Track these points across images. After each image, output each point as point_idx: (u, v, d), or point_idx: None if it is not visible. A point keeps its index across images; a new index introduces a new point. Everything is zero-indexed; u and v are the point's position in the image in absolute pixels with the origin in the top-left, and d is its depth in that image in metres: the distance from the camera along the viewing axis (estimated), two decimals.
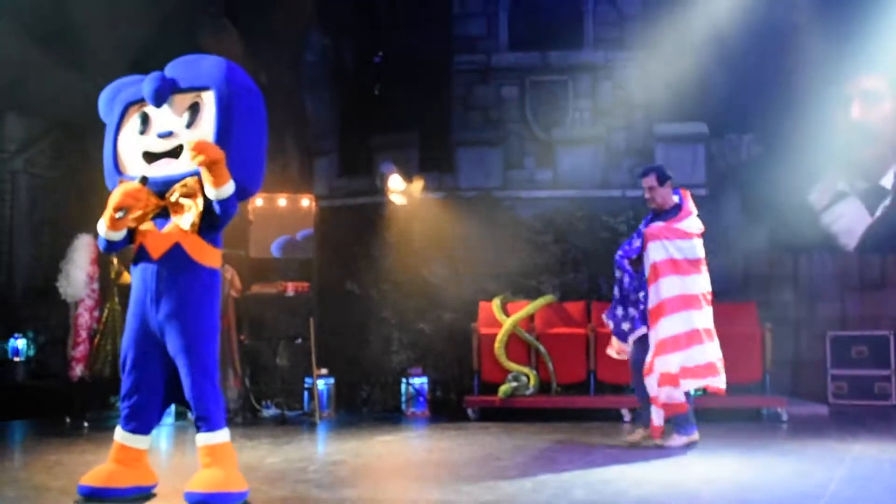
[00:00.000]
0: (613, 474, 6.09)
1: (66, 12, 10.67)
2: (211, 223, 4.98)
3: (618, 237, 11.15)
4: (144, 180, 4.96)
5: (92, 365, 9.41)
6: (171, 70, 5.17)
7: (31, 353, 11.29)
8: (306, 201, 11.30)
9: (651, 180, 7.48)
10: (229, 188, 4.88)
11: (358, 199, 11.69)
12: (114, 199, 4.92)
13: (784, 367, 10.32)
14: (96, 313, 9.63)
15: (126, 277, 9.68)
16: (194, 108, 5.01)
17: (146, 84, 5.03)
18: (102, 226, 5.01)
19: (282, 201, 11.07)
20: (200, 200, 4.93)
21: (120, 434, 5.05)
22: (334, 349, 10.73)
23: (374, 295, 11.45)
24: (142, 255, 5.03)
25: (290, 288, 10.16)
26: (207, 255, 5.02)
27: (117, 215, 4.91)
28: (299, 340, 10.14)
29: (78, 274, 9.52)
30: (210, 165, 4.79)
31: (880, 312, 10.35)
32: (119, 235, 5.02)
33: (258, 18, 11.71)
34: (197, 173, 4.93)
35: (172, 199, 4.96)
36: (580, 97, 11.93)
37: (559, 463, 6.65)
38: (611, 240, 11.15)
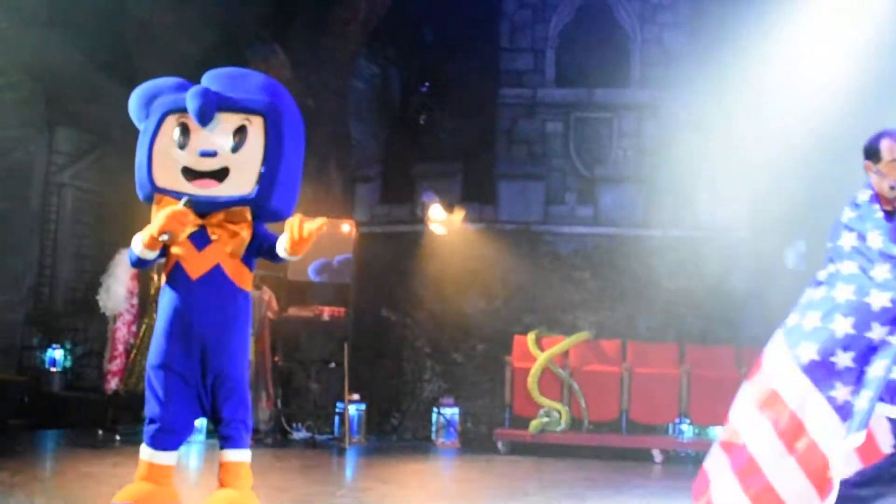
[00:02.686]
0: None
1: (119, 29, 10.86)
2: (251, 249, 5.00)
3: (656, 277, 11.12)
4: (190, 203, 4.84)
5: (127, 379, 9.47)
6: (215, 83, 5.06)
7: (68, 364, 11.40)
8: (347, 226, 11.35)
9: None
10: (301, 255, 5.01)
11: (398, 227, 11.73)
12: (159, 221, 4.77)
13: None
14: (134, 328, 9.70)
15: None
16: (241, 131, 4.94)
17: (191, 98, 4.91)
18: (139, 243, 4.86)
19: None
20: (248, 230, 4.93)
21: (148, 452, 4.92)
22: (367, 375, 10.74)
23: (410, 323, 11.45)
24: (178, 274, 4.92)
25: (327, 312, 10.18)
26: (245, 279, 5.02)
27: (162, 238, 4.80)
28: (333, 365, 10.16)
29: (118, 288, 9.61)
30: (305, 246, 4.85)
31: None
32: (154, 255, 4.91)
33: (308, 44, 11.83)
34: (244, 200, 4.90)
35: (215, 221, 4.94)
36: (624, 135, 11.93)
37: (588, 500, 6.59)
38: (648, 279, 11.10)
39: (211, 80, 5.13)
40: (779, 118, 10.58)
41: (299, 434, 10.15)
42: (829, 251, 4.65)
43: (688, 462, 9.59)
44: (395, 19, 12.43)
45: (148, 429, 4.91)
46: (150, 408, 4.91)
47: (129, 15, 11.00)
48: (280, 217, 5.13)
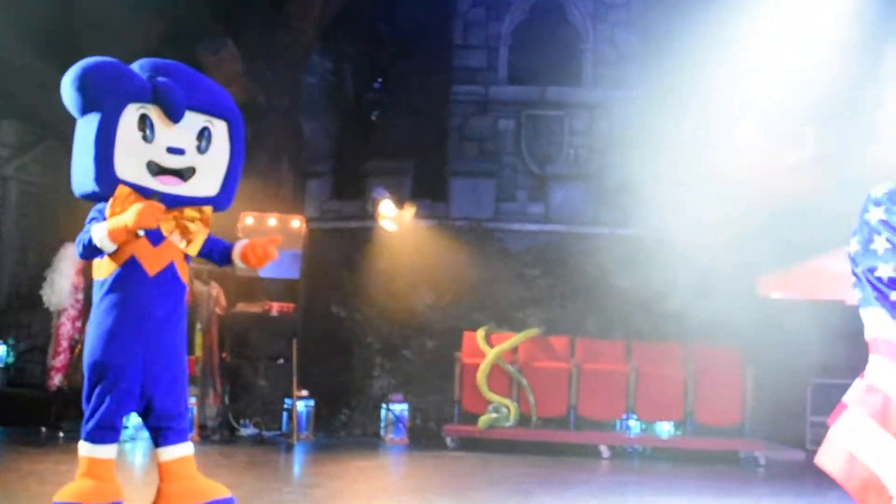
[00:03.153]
0: None
1: (66, 21, 10.70)
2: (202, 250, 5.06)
3: (605, 275, 11.20)
4: (159, 199, 4.80)
5: (71, 375, 9.34)
6: (178, 80, 4.98)
7: (11, 360, 11.22)
8: (297, 222, 11.29)
9: None
10: None
11: (348, 223, 11.70)
12: (135, 216, 4.63)
13: (765, 411, 10.30)
14: (79, 324, 9.56)
15: None
16: (206, 134, 4.98)
17: (168, 93, 4.85)
18: (104, 233, 4.68)
19: (272, 221, 11.05)
20: (204, 231, 4.95)
21: (87, 448, 4.81)
22: (316, 371, 10.69)
23: (359, 319, 11.43)
24: (134, 270, 4.83)
25: (275, 308, 10.13)
26: (186, 275, 5.06)
27: (139, 233, 4.76)
28: (281, 361, 10.10)
29: (63, 283, 9.47)
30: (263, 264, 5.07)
31: (863, 362, 10.34)
32: (112, 249, 4.77)
33: (260, 38, 11.74)
34: (206, 201, 4.95)
35: (172, 219, 4.89)
36: (576, 133, 12.00)
37: (535, 496, 6.63)
38: (597, 277, 11.18)
39: (172, 77, 5.01)
40: (728, 120, 10.70)
41: (247, 430, 10.08)
42: (855, 255, 4.61)
43: (634, 457, 9.70)
44: (349, 16, 12.38)
45: (88, 425, 4.82)
46: (92, 403, 4.81)
47: (78, 6, 10.84)
48: (221, 209, 5.19)
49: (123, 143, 4.84)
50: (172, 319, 4.93)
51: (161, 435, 4.91)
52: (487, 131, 12.09)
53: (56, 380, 9.37)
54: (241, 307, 10.21)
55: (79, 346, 9.37)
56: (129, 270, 4.82)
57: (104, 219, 4.75)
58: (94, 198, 4.87)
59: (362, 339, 11.39)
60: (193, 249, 4.96)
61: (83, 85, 4.82)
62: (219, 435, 9.67)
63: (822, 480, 7.96)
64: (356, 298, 11.43)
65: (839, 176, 10.55)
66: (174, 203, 4.88)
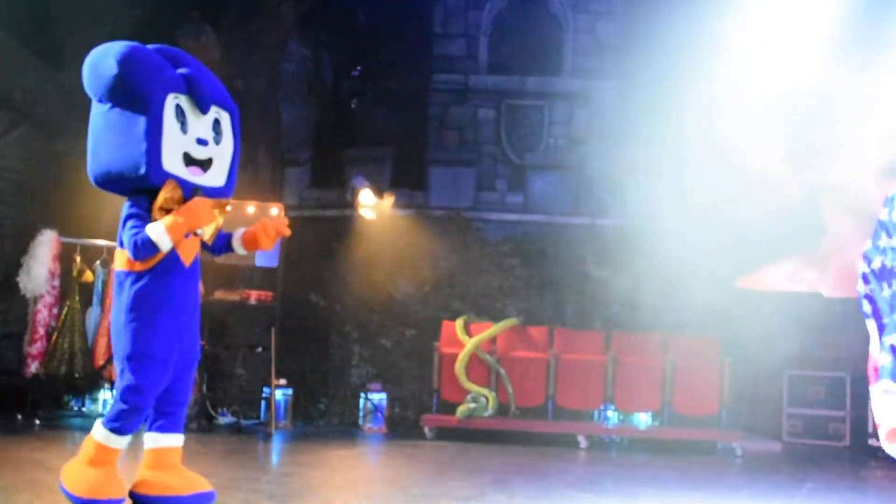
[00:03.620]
0: (566, 500, 6.09)
1: (41, 5, 10.58)
2: None
3: (584, 265, 11.23)
4: (202, 193, 4.87)
5: (48, 362, 9.29)
6: (191, 68, 4.97)
7: None
8: (275, 210, 11.23)
9: None
10: None
11: (327, 212, 11.66)
12: (198, 216, 4.70)
13: (742, 402, 10.37)
14: (55, 310, 9.51)
15: (88, 276, 9.62)
16: (218, 125, 5.02)
17: (199, 85, 4.88)
18: (164, 234, 4.61)
19: (250, 209, 10.99)
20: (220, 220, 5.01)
21: (104, 435, 4.76)
22: (294, 360, 10.68)
23: (338, 308, 11.41)
24: (173, 261, 4.80)
25: (254, 296, 10.09)
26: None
27: (198, 232, 4.81)
28: (259, 349, 10.08)
29: (39, 270, 9.40)
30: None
31: (839, 354, 10.44)
32: (171, 246, 4.70)
33: (239, 25, 11.68)
34: (217, 191, 4.97)
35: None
36: (555, 123, 12.01)
37: (513, 486, 6.64)
38: (576, 267, 11.21)
39: (186, 63, 5.02)
40: (707, 112, 10.71)
41: (225, 419, 10.06)
42: (869, 252, 4.93)
43: (612, 448, 9.74)
44: (328, 2, 12.34)
45: (119, 414, 4.75)
46: (127, 393, 4.74)
47: None
48: None
49: (167, 134, 4.80)
50: (198, 308, 5.07)
51: (161, 421, 4.91)
52: (467, 120, 12.08)
53: (32, 367, 9.30)
54: (220, 295, 10.15)
55: (55, 333, 9.32)
56: (171, 262, 4.81)
57: (146, 213, 4.70)
58: (132, 189, 4.77)
59: (341, 327, 11.38)
60: (211, 239, 5.01)
61: (126, 71, 4.72)
62: (196, 423, 9.61)
63: (798, 472, 8.06)
64: (335, 287, 11.41)
65: (818, 171, 10.62)
66: (193, 194, 4.89)
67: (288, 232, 5.16)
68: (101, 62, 4.76)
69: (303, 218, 11.56)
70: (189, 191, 4.82)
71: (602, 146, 11.80)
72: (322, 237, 11.46)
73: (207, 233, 4.91)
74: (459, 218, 11.49)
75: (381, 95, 12.69)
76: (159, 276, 4.77)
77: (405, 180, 11.68)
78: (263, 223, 5.10)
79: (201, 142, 4.90)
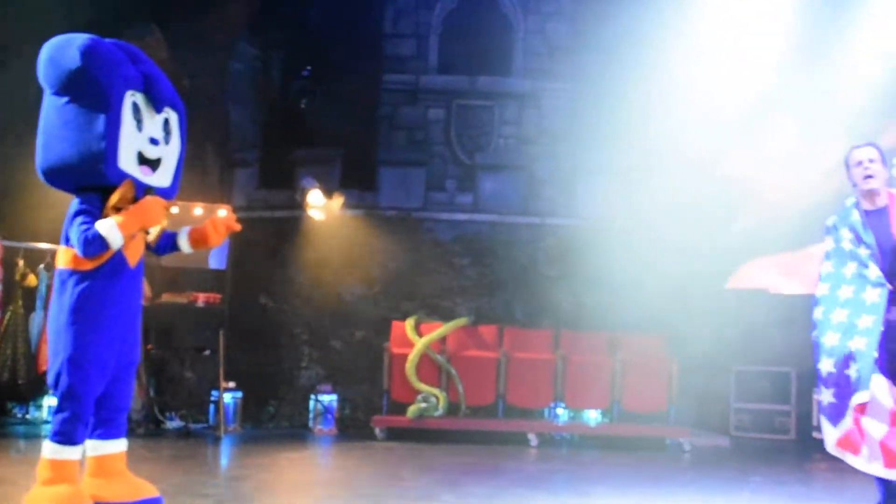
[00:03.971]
0: (517, 498, 6.10)
1: None
2: None
3: (534, 264, 11.28)
4: (154, 193, 4.79)
5: None
6: (152, 70, 4.89)
7: None
8: (223, 211, 11.13)
9: (874, 152, 5.35)
10: None
11: (276, 213, 11.58)
12: (147, 215, 4.62)
13: (690, 399, 10.47)
14: None
15: (31, 280, 9.46)
16: (167, 124, 4.91)
17: (156, 83, 4.81)
18: (116, 232, 4.53)
19: (198, 210, 10.90)
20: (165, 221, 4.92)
21: (54, 449, 4.61)
22: (243, 363, 10.59)
23: (287, 309, 11.34)
24: (118, 262, 4.70)
25: (202, 299, 10.00)
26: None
27: (151, 230, 4.75)
28: (208, 352, 9.98)
29: None
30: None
31: (784, 350, 10.58)
32: (122, 244, 4.62)
33: (187, 24, 11.55)
34: (163, 192, 4.86)
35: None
36: (506, 124, 12.03)
37: (464, 486, 6.64)
38: (527, 266, 11.25)
39: (141, 60, 4.92)
40: (657, 112, 10.80)
41: (173, 423, 9.94)
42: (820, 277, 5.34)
43: (562, 445, 9.79)
44: (277, 2, 12.25)
45: (61, 424, 4.63)
46: (68, 400, 4.62)
47: None
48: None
49: (124, 132, 4.72)
50: (140, 310, 4.93)
51: (103, 427, 4.82)
52: (417, 120, 12.05)
53: None
54: (167, 298, 10.04)
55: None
56: (117, 263, 4.71)
57: (97, 210, 4.60)
58: (83, 186, 4.67)
59: (290, 329, 11.30)
60: (155, 240, 4.92)
61: (89, 64, 4.60)
62: (144, 428, 9.50)
63: (746, 466, 8.15)
64: (284, 289, 11.34)
65: (773, 166, 10.77)
66: (143, 194, 4.79)
67: (238, 227, 5.06)
68: (63, 54, 4.64)
69: (251, 219, 11.44)
70: (141, 191, 4.75)
71: (552, 146, 11.85)
72: (271, 238, 11.38)
73: (153, 233, 4.84)
74: (409, 218, 11.48)
75: (331, 96, 12.62)
76: (105, 276, 4.66)
77: (355, 181, 11.63)
78: (213, 220, 5.01)
79: (154, 141, 4.82)
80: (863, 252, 5.15)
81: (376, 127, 12.05)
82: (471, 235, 11.49)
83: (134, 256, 4.79)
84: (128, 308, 4.79)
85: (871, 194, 5.24)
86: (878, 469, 4.99)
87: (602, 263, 10.79)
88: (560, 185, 11.63)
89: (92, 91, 4.60)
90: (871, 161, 5.24)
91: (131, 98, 4.70)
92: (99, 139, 4.58)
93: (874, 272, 5.08)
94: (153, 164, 4.85)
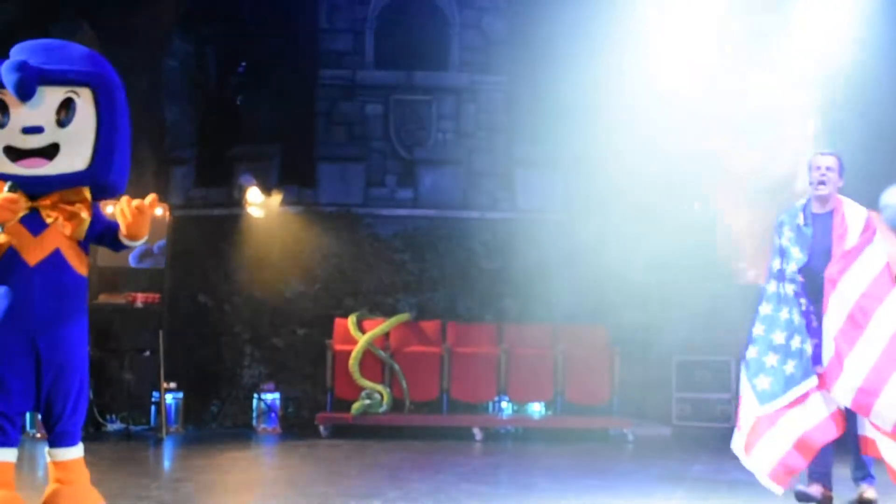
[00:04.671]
0: (462, 493, 6.11)
1: None
2: (90, 234, 4.80)
3: (475, 258, 11.31)
4: (15, 188, 4.58)
5: None
6: (33, 57, 4.76)
7: None
8: (160, 210, 10.99)
9: (833, 161, 5.79)
10: (144, 238, 4.81)
11: (214, 211, 11.46)
12: None
13: (632, 389, 10.58)
14: None
15: None
16: (68, 105, 4.71)
17: (8, 73, 4.60)
18: None
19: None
20: (87, 211, 4.71)
21: (49, 452, 4.68)
22: (184, 363, 10.46)
23: (228, 308, 11.23)
24: (14, 261, 4.62)
25: (140, 299, 9.84)
26: (83, 264, 4.82)
27: None
28: (147, 353, 9.84)
29: None
30: (142, 225, 4.70)
31: (723, 338, 10.73)
32: None
33: (116, 20, 11.36)
34: (78, 177, 4.68)
35: (49, 203, 4.68)
36: (444, 118, 12.03)
37: (409, 482, 6.64)
38: (468, 260, 11.28)
39: (24, 52, 4.81)
40: (594, 103, 10.88)
41: (113, 426, 9.80)
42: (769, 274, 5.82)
43: (507, 439, 9.84)
44: None
45: None
46: None
47: None
48: (116, 192, 4.95)
49: None
50: (64, 310, 4.70)
51: (56, 436, 4.74)
52: (355, 116, 12.00)
53: None
54: (104, 298, 9.87)
55: None
56: (9, 263, 4.62)
57: None
58: None
59: (231, 328, 11.19)
60: (79, 233, 4.74)
61: None
62: (83, 431, 9.31)
63: (687, 455, 8.26)
64: (224, 287, 11.22)
65: (711, 162, 10.94)
66: (43, 187, 4.66)
67: (148, 208, 4.70)
68: None
69: (189, 217, 11.35)
70: (32, 187, 4.62)
71: (490, 140, 11.89)
72: (209, 236, 11.25)
73: (7, 233, 4.62)
74: (349, 214, 11.44)
75: (268, 91, 12.50)
76: (2, 278, 4.63)
77: (293, 177, 11.56)
78: (120, 208, 4.73)
79: (29, 130, 4.67)
80: (795, 254, 5.67)
81: (314, 122, 11.97)
82: (411, 231, 11.48)
83: (32, 255, 4.64)
84: (31, 309, 4.61)
85: (821, 199, 5.73)
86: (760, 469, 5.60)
87: (542, 256, 10.88)
88: (499, 178, 11.68)
89: None
90: (828, 169, 5.73)
91: None
92: None
93: (790, 269, 5.64)
94: (45, 153, 4.69)
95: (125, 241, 4.82)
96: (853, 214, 5.64)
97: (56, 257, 4.68)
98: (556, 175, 11.54)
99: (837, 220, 5.64)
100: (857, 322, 5.35)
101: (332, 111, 11.99)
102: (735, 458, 6.36)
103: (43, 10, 10.83)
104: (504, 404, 10.17)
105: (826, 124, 10.30)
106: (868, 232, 5.55)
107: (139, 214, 4.68)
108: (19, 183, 4.64)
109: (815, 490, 5.58)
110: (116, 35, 11.17)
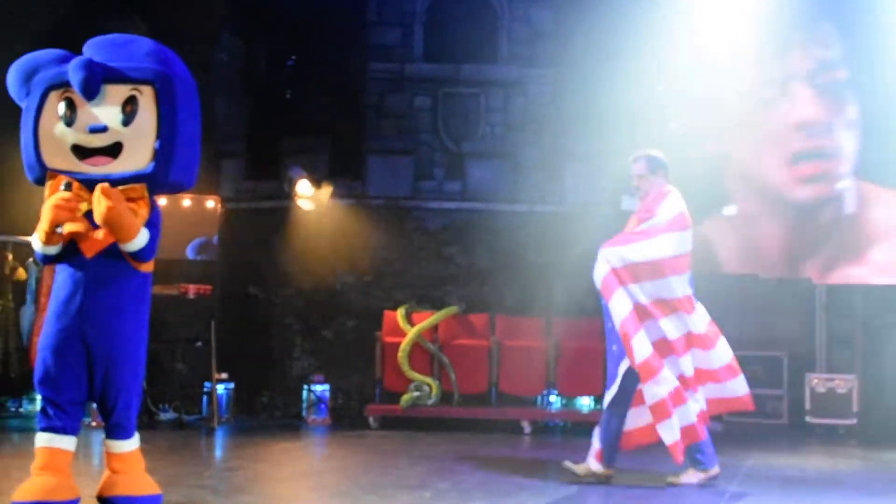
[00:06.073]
0: (513, 486, 6.12)
1: None
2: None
3: (523, 251, 11.28)
4: (70, 187, 4.67)
5: None
6: (98, 53, 4.83)
7: None
8: (212, 203, 11.12)
9: (642, 168, 6.58)
10: (140, 240, 4.71)
11: (265, 203, 11.55)
12: (48, 214, 4.59)
13: None
14: None
15: (20, 274, 9.43)
16: (132, 102, 4.74)
17: (74, 71, 4.66)
18: (38, 241, 4.69)
19: (186, 202, 10.86)
20: (146, 208, 4.76)
21: (46, 438, 4.70)
22: (235, 354, 10.55)
23: (278, 300, 11.32)
24: (72, 252, 4.72)
25: (192, 290, 9.95)
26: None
27: (58, 231, 4.64)
28: (199, 344, 9.94)
29: None
30: (112, 224, 4.61)
31: (775, 334, 10.62)
32: (57, 249, 4.70)
33: (167, 15, 11.48)
34: (140, 176, 4.73)
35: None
36: (492, 111, 12.02)
37: (459, 473, 6.66)
38: (516, 253, 11.26)
39: (94, 49, 4.90)
40: (645, 97, 10.81)
41: (166, 415, 9.91)
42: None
43: (556, 432, 9.81)
44: None
45: (44, 414, 4.71)
46: (46, 391, 4.70)
47: None
48: (181, 189, 5.09)
49: (47, 131, 4.79)
50: (117, 303, 4.75)
51: (110, 428, 4.83)
52: (404, 109, 12.04)
53: None
54: (157, 290, 9.91)
55: None
56: (68, 253, 4.72)
57: None
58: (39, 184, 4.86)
59: (281, 320, 11.29)
60: (69, 237, 4.77)
61: (10, 78, 4.88)
62: (137, 420, 9.46)
63: (739, 451, 8.18)
64: (274, 279, 11.32)
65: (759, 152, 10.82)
66: (109, 183, 4.70)
67: (103, 204, 4.57)
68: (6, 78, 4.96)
69: (240, 210, 11.47)
70: (97, 184, 4.69)
71: (539, 133, 11.85)
72: (260, 229, 11.35)
73: (68, 229, 4.70)
74: (398, 207, 11.47)
75: (317, 85, 12.58)
76: (61, 268, 4.76)
77: (342, 170, 11.61)
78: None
79: (94, 129, 4.74)
80: None
81: (363, 115, 12.03)
82: (459, 224, 11.48)
83: (90, 247, 4.72)
84: (86, 302, 4.69)
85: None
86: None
87: (591, 249, 10.77)
88: (548, 171, 11.64)
89: (20, 101, 4.91)
90: (639, 177, 6.52)
91: (62, 96, 4.77)
92: (25, 144, 4.82)
93: None
94: (110, 151, 4.76)
95: (123, 249, 4.73)
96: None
97: (113, 250, 4.74)
98: (604, 168, 11.46)
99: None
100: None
101: (380, 104, 12.03)
102: (789, 453, 6.37)
103: (96, 5, 10.97)
104: (553, 398, 10.15)
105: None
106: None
107: (106, 214, 4.59)
108: (85, 181, 4.71)
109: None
110: (167, 29, 11.27)
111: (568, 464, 6.42)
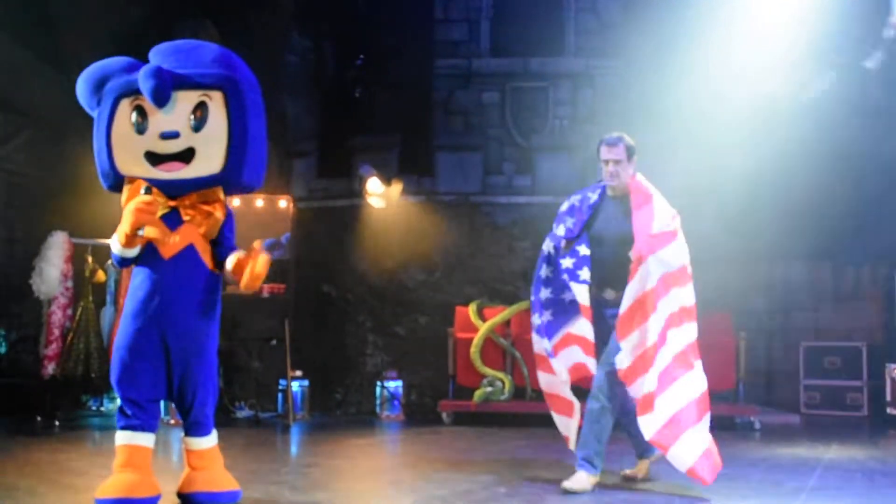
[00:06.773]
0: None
1: (43, 6, 10.57)
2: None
3: None
4: (150, 190, 4.78)
5: (64, 363, 9.32)
6: (166, 60, 4.94)
7: (3, 350, 11.17)
8: (284, 202, 11.25)
9: (620, 152, 6.11)
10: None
11: (336, 202, 11.67)
12: (129, 218, 4.69)
13: (758, 376, 10.35)
14: (69, 311, 9.55)
15: (100, 276, 9.65)
16: (201, 108, 4.84)
17: (145, 80, 4.75)
18: (117, 244, 4.79)
19: (259, 202, 11.02)
20: (221, 210, 4.90)
21: (127, 436, 4.82)
22: (309, 351, 10.69)
23: (351, 297, 11.42)
24: (151, 254, 4.83)
25: (266, 289, 10.09)
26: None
27: (139, 234, 4.74)
28: (274, 342, 10.08)
29: (52, 272, 9.43)
30: (253, 288, 4.81)
31: (854, 324, 10.41)
32: (136, 251, 4.82)
33: (237, 18, 11.65)
34: (214, 179, 4.86)
35: (188, 203, 4.87)
36: (560, 104, 11.97)
37: (533, 469, 6.66)
38: None
39: (161, 56, 5.00)
40: (714, 88, 10.66)
41: (242, 413, 10.09)
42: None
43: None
44: None
45: (123, 412, 4.84)
46: (124, 390, 4.82)
47: None
48: (252, 190, 5.18)
49: (120, 139, 4.90)
50: (194, 303, 4.85)
51: (189, 425, 4.94)
52: (472, 104, 12.05)
53: (49, 369, 9.35)
54: (231, 289, 10.11)
55: (71, 334, 9.36)
56: (146, 255, 4.84)
57: None
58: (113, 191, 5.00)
59: (354, 317, 11.38)
60: (213, 232, 4.91)
61: (80, 88, 4.99)
62: (214, 418, 9.63)
63: (818, 443, 8.04)
64: (347, 277, 11.41)
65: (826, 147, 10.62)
66: (181, 189, 4.85)
67: (264, 271, 4.74)
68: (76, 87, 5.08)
69: (312, 209, 11.59)
70: (172, 189, 4.83)
71: (608, 125, 11.68)
72: (332, 227, 11.46)
73: (149, 233, 4.81)
74: (468, 203, 11.49)
75: (385, 83, 12.65)
76: (140, 270, 4.88)
77: (412, 167, 11.67)
78: (250, 269, 4.72)
79: (167, 135, 4.83)
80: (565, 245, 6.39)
81: (431, 112, 12.06)
82: (529, 218, 11.45)
83: (168, 249, 4.83)
84: (163, 301, 4.79)
85: (614, 187, 6.06)
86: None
87: None
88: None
89: (90, 111, 5.03)
90: (616, 163, 6.03)
91: (133, 103, 4.87)
92: (99, 151, 4.93)
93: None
94: (182, 157, 4.85)
95: (229, 279, 4.95)
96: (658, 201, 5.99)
97: (190, 252, 4.86)
98: (674, 160, 11.30)
99: (634, 208, 5.89)
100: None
101: (448, 101, 12.06)
102: (869, 446, 6.23)
103: (168, 9, 11.16)
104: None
105: None
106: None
107: (257, 279, 4.75)
108: (159, 185, 4.82)
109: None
110: (237, 31, 11.45)
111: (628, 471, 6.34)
